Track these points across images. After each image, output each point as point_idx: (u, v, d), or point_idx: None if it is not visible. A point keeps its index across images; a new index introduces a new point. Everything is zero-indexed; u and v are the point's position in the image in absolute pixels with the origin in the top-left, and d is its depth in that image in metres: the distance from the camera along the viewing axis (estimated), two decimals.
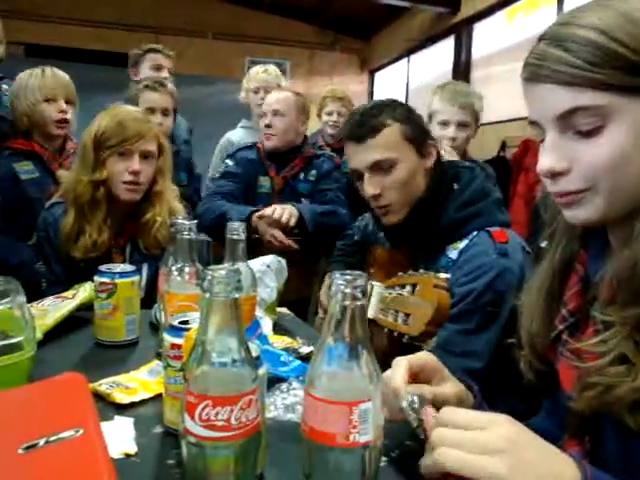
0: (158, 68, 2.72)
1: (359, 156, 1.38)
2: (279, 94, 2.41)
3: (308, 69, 7.04)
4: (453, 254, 1.34)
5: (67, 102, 2.10)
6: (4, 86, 2.22)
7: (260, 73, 2.97)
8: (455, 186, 1.40)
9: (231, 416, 0.58)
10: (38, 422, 0.71)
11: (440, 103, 2.24)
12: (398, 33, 6.69)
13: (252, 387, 0.60)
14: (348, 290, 0.59)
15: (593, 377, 0.68)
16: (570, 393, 0.73)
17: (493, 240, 1.31)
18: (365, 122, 1.36)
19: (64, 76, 2.14)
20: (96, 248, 1.58)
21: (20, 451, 0.63)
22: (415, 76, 6.63)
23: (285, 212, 2.11)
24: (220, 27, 6.52)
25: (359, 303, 0.60)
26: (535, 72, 0.70)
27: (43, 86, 2.07)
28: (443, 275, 1.24)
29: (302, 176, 2.38)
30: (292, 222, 2.12)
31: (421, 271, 1.27)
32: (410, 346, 1.20)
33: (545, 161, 0.71)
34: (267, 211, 2.11)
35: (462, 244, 1.34)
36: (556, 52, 0.67)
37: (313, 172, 2.39)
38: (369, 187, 1.38)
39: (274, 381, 0.96)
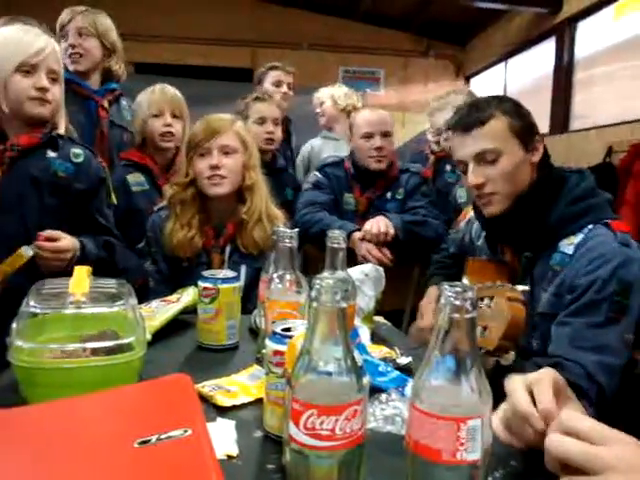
0: (278, 84, 2.87)
1: (465, 146, 1.38)
2: (379, 113, 2.38)
3: (402, 77, 7.00)
4: (569, 249, 1.30)
5: (174, 116, 2.21)
6: (123, 102, 2.40)
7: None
8: (564, 186, 1.37)
9: (336, 426, 0.58)
10: (150, 419, 0.74)
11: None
12: (495, 37, 6.51)
13: (357, 397, 0.59)
14: (458, 302, 0.57)
15: None
16: None
17: (613, 230, 1.27)
18: (472, 113, 1.38)
19: (172, 91, 2.26)
20: (191, 246, 1.67)
21: (136, 445, 0.66)
22: (513, 80, 6.41)
23: (382, 225, 2.11)
24: (315, 38, 6.64)
25: (469, 316, 0.58)
26: None
27: (152, 102, 2.20)
28: (520, 287, 1.21)
29: (389, 195, 2.35)
30: (390, 233, 2.11)
31: (498, 283, 1.24)
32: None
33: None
34: (366, 229, 2.13)
35: (578, 238, 1.29)
36: None
37: (400, 190, 2.36)
38: (473, 176, 1.38)
39: (373, 391, 0.95)
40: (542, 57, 5.70)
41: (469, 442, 0.57)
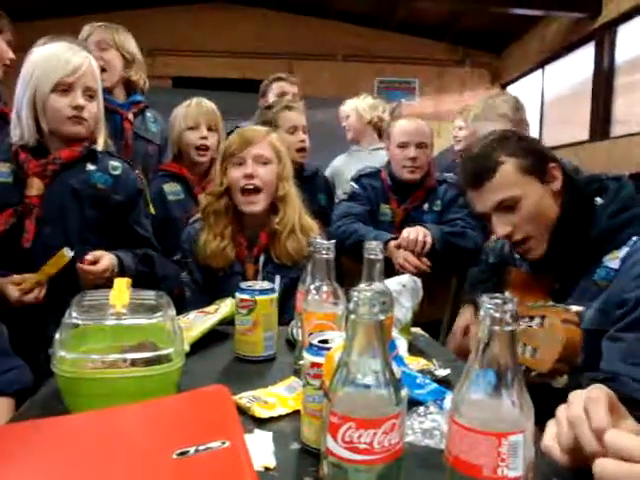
0: (282, 94, 2.85)
1: (481, 201, 1.37)
2: (415, 124, 2.35)
3: (437, 86, 6.96)
4: (614, 264, 1.25)
5: (209, 129, 2.24)
6: (148, 114, 2.44)
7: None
8: (598, 199, 1.32)
9: (374, 439, 0.58)
10: (188, 430, 0.75)
11: (474, 122, 2.34)
12: (531, 43, 6.42)
13: (396, 411, 0.59)
14: (498, 314, 0.56)
15: None
16: None
17: None
18: (478, 166, 1.35)
19: (208, 105, 2.29)
20: (223, 256, 1.68)
21: (174, 456, 0.67)
22: (551, 87, 6.31)
23: (420, 233, 2.09)
24: (350, 49, 6.67)
25: (509, 328, 0.57)
26: None
27: (187, 115, 2.24)
28: (574, 308, 1.17)
29: (426, 207, 2.32)
30: (428, 242, 2.09)
31: (550, 303, 1.21)
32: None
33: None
34: (404, 236, 2.11)
35: (622, 252, 1.25)
36: None
37: (438, 202, 2.33)
38: (499, 228, 1.35)
39: (410, 404, 0.94)
40: (581, 63, 5.59)
41: (511, 458, 0.56)
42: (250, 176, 1.67)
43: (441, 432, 0.85)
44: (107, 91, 2.31)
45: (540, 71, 6.48)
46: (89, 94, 1.57)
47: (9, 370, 1.18)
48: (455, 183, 2.37)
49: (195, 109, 2.25)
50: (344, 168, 2.95)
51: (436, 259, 2.14)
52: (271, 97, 2.86)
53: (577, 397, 0.69)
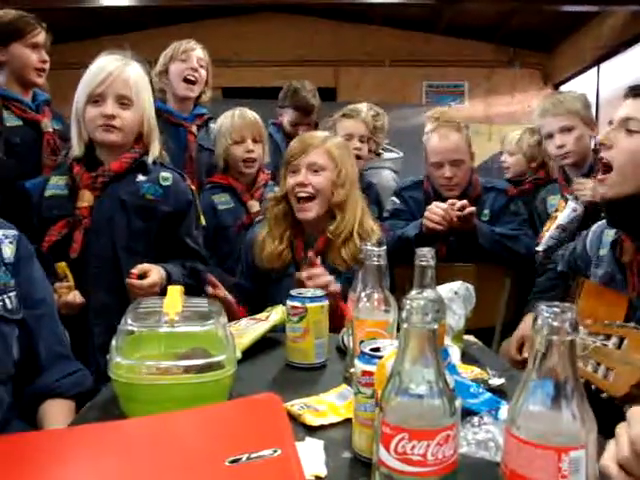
0: (295, 125, 2.83)
1: (625, 106, 1.30)
2: (451, 140, 2.22)
3: (486, 89, 6.83)
4: None
5: (254, 140, 2.27)
6: (212, 125, 2.49)
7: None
8: None
9: (428, 451, 0.56)
10: (240, 438, 0.75)
11: (540, 119, 2.26)
12: (585, 41, 6.22)
13: (450, 422, 0.57)
14: (556, 323, 0.54)
15: None
16: None
17: None
18: None
19: (251, 116, 2.32)
20: (279, 259, 1.70)
21: (226, 463, 0.67)
22: (607, 85, 6.09)
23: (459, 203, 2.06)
24: (396, 54, 6.63)
25: (568, 338, 0.54)
26: None
27: (232, 129, 2.27)
28: None
29: None
30: (468, 207, 2.05)
31: (632, 324, 1.13)
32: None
33: None
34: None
35: None
36: None
37: (485, 212, 2.25)
38: (603, 134, 1.31)
39: (464, 414, 0.91)
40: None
41: (572, 475, 0.54)
42: (302, 184, 1.68)
43: (496, 444, 0.83)
44: (186, 100, 2.39)
45: (595, 69, 6.27)
46: (123, 102, 1.58)
47: (71, 374, 1.21)
48: (503, 189, 2.30)
49: (239, 122, 2.27)
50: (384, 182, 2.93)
51: (489, 262, 2.09)
52: (286, 118, 2.83)
53: (637, 414, 0.66)
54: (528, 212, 2.34)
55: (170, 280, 1.56)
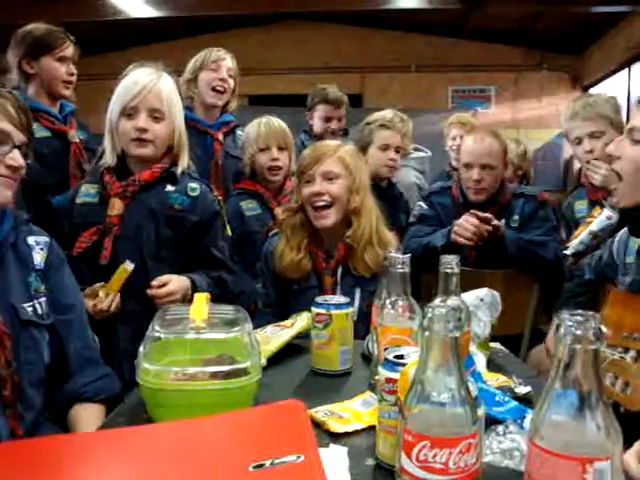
0: (327, 119, 2.89)
1: None
2: (484, 144, 2.20)
3: (514, 93, 6.75)
4: None
5: (280, 148, 2.29)
6: (238, 132, 2.52)
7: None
8: None
9: (449, 459, 0.56)
10: (264, 444, 0.76)
11: (568, 123, 2.19)
12: (616, 42, 6.11)
13: (472, 430, 0.57)
14: (579, 332, 0.54)
15: None
16: None
17: None
18: None
19: (277, 124, 2.34)
20: (300, 269, 1.70)
21: (250, 469, 0.68)
22: (638, 87, 5.98)
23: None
24: (422, 59, 6.61)
25: (592, 347, 0.54)
26: None
27: (258, 137, 2.30)
28: None
29: (502, 223, 2.19)
30: (495, 221, 2.03)
31: None
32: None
33: None
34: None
35: None
36: None
37: (515, 217, 2.22)
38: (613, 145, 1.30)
39: (489, 422, 0.91)
40: None
41: None
42: (319, 194, 1.69)
43: (521, 453, 0.82)
44: (211, 108, 2.43)
45: (626, 71, 6.15)
46: (155, 115, 1.61)
47: (100, 378, 1.24)
48: (534, 195, 2.27)
49: (265, 130, 2.29)
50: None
51: (516, 268, 2.07)
52: (316, 116, 2.90)
53: None
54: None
55: (195, 289, 1.58)
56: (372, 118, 2.60)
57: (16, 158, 1.13)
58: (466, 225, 2.05)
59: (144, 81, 1.60)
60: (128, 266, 1.54)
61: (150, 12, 5.18)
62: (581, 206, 2.21)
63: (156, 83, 1.61)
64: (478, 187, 2.20)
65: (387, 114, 2.61)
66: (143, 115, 1.59)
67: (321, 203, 1.69)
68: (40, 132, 1.95)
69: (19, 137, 1.14)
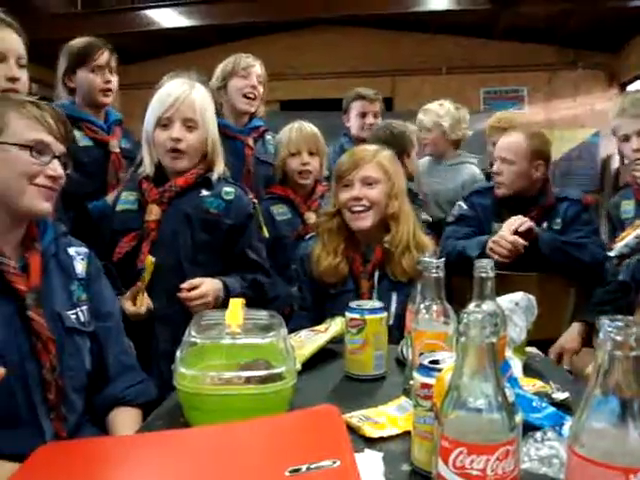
0: (363, 115, 2.91)
1: None
2: (509, 139, 2.25)
3: (547, 93, 6.64)
4: None
5: (310, 153, 2.30)
6: (268, 136, 2.54)
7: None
8: None
9: (487, 466, 0.56)
10: (300, 448, 0.77)
11: (616, 119, 2.10)
12: None
13: (510, 437, 0.57)
14: (619, 338, 0.53)
15: None
16: None
17: None
18: None
19: (308, 129, 2.36)
20: (337, 273, 1.71)
21: (287, 473, 0.69)
22: None
23: (517, 221, 2.01)
24: (453, 61, 6.56)
25: (633, 353, 0.53)
26: None
27: (289, 141, 2.32)
28: None
29: (544, 226, 2.17)
30: (528, 222, 2.02)
31: None
32: None
33: None
34: (504, 228, 2.04)
35: None
36: None
37: (557, 220, 2.18)
38: None
39: (526, 429, 0.90)
40: None
41: None
42: (357, 198, 1.70)
43: (560, 460, 0.81)
44: (243, 115, 2.47)
45: None
46: (188, 125, 1.64)
47: (138, 383, 1.27)
48: (578, 199, 2.23)
49: (296, 135, 2.32)
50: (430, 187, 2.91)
51: (547, 267, 2.04)
52: (352, 118, 2.92)
53: None
54: None
55: (228, 292, 1.60)
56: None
57: (56, 168, 1.16)
58: (503, 242, 2.02)
59: (177, 92, 1.64)
60: (152, 259, 1.58)
61: (182, 22, 5.27)
62: (628, 206, 2.15)
63: (189, 94, 1.65)
64: (497, 180, 2.20)
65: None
66: (177, 125, 1.63)
67: (359, 208, 1.70)
68: (83, 141, 2.01)
69: (58, 148, 1.18)
